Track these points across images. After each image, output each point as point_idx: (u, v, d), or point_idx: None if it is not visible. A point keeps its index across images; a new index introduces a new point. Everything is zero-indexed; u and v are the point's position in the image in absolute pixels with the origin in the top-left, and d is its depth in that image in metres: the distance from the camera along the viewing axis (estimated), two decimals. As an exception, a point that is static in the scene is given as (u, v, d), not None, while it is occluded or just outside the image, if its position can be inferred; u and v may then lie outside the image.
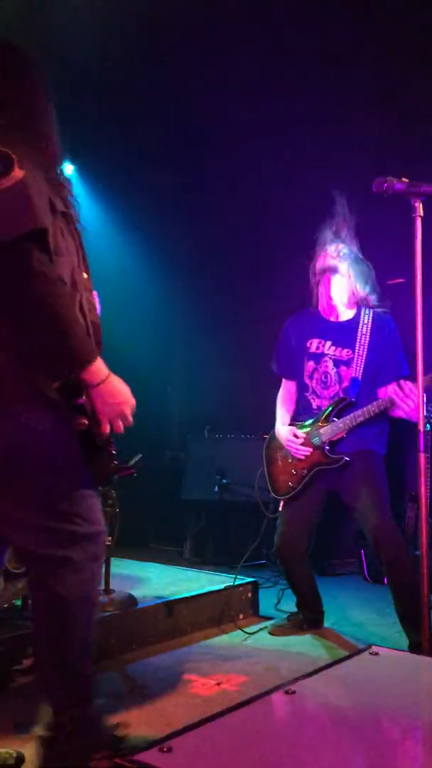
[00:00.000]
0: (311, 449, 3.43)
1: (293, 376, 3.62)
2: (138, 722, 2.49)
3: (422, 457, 2.35)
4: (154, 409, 6.27)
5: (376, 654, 1.88)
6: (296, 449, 3.46)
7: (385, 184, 2.40)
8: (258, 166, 5.42)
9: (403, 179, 2.37)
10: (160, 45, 4.96)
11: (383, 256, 3.51)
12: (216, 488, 5.42)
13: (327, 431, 3.39)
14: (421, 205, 2.38)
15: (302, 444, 3.45)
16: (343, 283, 3.41)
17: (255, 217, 5.82)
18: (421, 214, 2.39)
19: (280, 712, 1.50)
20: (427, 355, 4.54)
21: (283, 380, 3.70)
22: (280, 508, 3.61)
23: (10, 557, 3.15)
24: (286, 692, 1.59)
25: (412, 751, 1.35)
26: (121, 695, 2.81)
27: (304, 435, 3.47)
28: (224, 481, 5.40)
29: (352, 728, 1.47)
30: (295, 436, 3.48)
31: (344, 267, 3.40)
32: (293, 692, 1.59)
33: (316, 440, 3.42)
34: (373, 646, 1.93)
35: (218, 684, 2.90)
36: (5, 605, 3.13)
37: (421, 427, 2.40)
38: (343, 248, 3.42)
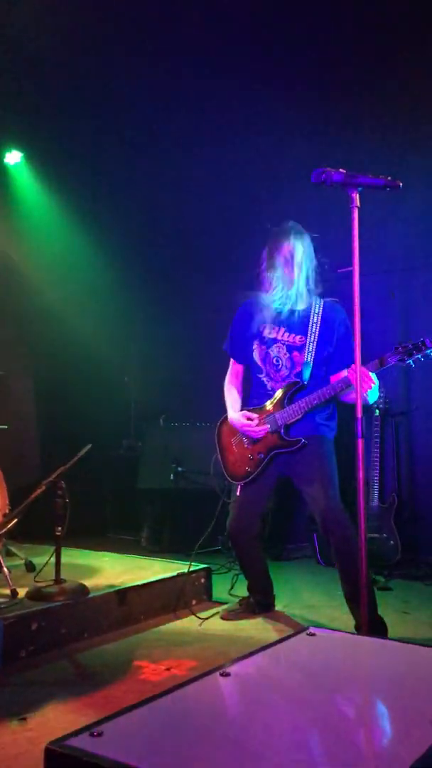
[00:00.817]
0: (267, 431, 3.48)
1: (243, 359, 3.67)
2: (86, 708, 2.52)
3: (360, 442, 2.41)
4: (111, 398, 6.26)
5: (313, 635, 1.93)
6: (254, 431, 3.50)
7: (324, 175, 2.43)
8: (203, 153, 5.43)
9: (341, 170, 2.40)
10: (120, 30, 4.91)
11: (328, 245, 3.56)
12: (172, 476, 5.45)
13: (283, 415, 3.44)
14: (357, 196, 2.42)
15: (257, 425, 3.49)
16: (296, 272, 3.45)
17: (204, 206, 5.83)
18: (358, 204, 2.43)
19: (213, 693, 1.54)
20: (375, 341, 4.62)
21: (232, 363, 3.75)
22: (237, 493, 3.65)
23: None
24: (222, 674, 1.62)
25: (343, 729, 1.40)
26: (71, 683, 2.82)
27: (257, 416, 3.51)
28: (180, 469, 5.43)
29: (283, 708, 1.51)
30: (249, 418, 3.53)
31: (299, 256, 3.44)
32: (228, 674, 1.62)
33: (271, 424, 3.47)
34: (311, 628, 1.99)
35: (168, 669, 2.94)
36: None
37: (359, 414, 2.45)
38: (298, 238, 3.47)
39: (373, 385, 3.16)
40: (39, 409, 5.94)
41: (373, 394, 3.21)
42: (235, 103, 5.11)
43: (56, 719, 2.42)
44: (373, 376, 3.16)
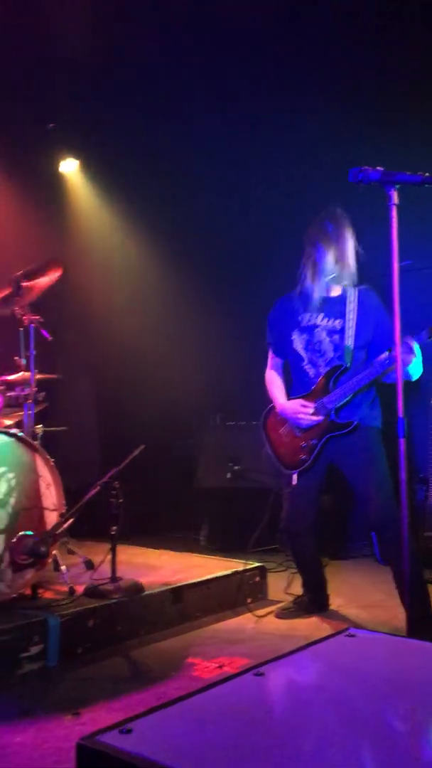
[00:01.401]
0: (321, 418, 3.49)
1: (282, 351, 3.72)
2: (138, 705, 2.58)
3: (402, 442, 2.38)
4: (166, 397, 6.34)
5: (353, 636, 1.93)
6: (309, 419, 3.51)
7: (361, 173, 2.41)
8: (253, 155, 5.46)
9: (378, 168, 2.38)
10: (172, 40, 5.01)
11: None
12: (228, 475, 5.49)
13: (332, 398, 3.46)
14: (396, 194, 2.40)
15: (313, 414, 3.50)
16: (335, 258, 3.46)
17: (255, 206, 5.85)
18: (397, 202, 2.40)
19: (245, 694, 1.56)
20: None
21: (271, 356, 3.79)
22: (292, 483, 3.64)
23: (23, 549, 3.27)
24: (255, 674, 1.64)
25: (378, 732, 1.40)
26: (125, 679, 2.90)
27: (312, 404, 3.52)
28: (236, 467, 5.46)
29: (316, 711, 1.52)
30: (304, 406, 3.53)
31: (338, 243, 3.45)
32: (262, 674, 1.64)
33: (321, 409, 3.48)
34: (351, 629, 1.98)
35: (220, 667, 2.98)
36: (13, 595, 3.24)
37: (400, 413, 2.42)
38: (338, 225, 3.47)
39: (413, 358, 3.15)
40: (99, 409, 6.07)
41: (415, 369, 3.19)
42: (286, 108, 5.12)
43: (108, 715, 2.50)
44: (416, 348, 3.16)
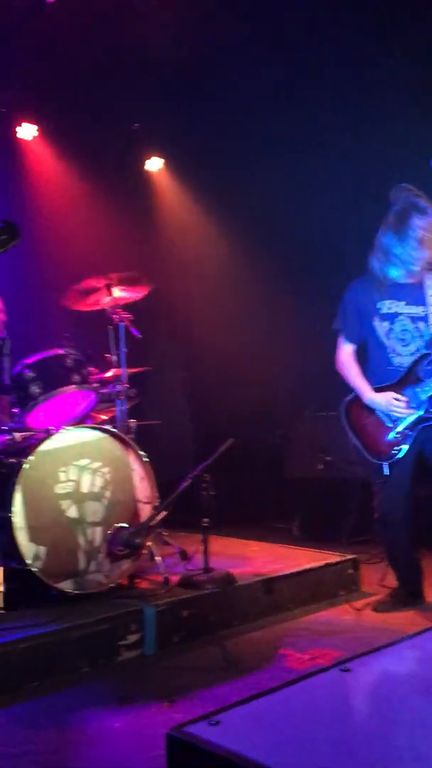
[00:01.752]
0: (417, 409, 3.44)
1: (356, 338, 3.68)
2: (230, 694, 2.63)
3: None
4: (258, 390, 6.36)
5: (445, 633, 1.90)
6: (405, 411, 3.46)
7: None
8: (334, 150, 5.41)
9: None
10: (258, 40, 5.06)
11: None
12: (320, 466, 5.46)
13: (424, 388, 3.39)
14: None
15: (405, 407, 3.46)
16: (414, 245, 3.41)
17: (340, 197, 5.77)
18: None
19: (331, 689, 1.57)
20: None
21: (344, 343, 3.73)
22: (385, 473, 3.59)
23: (119, 541, 3.39)
24: (342, 670, 1.65)
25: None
26: (218, 668, 2.96)
27: (405, 398, 3.47)
28: (328, 458, 5.43)
29: (402, 708, 1.51)
30: (396, 398, 3.48)
31: (417, 229, 3.39)
32: (348, 670, 1.65)
33: (413, 399, 3.42)
34: (443, 625, 1.95)
35: (313, 659, 2.99)
36: (111, 585, 3.36)
37: None
38: (418, 211, 3.40)
39: None
40: (191, 403, 6.17)
41: None
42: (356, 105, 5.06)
43: (202, 704, 2.56)
44: None
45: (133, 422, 4.60)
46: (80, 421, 3.83)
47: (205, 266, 6.00)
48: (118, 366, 4.14)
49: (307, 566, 3.88)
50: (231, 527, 5.03)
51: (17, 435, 3.60)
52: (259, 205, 6.10)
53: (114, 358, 4.18)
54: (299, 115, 5.37)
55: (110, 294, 4.17)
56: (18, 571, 3.21)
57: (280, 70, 5.18)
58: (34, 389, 3.64)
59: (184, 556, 4.04)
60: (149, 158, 6.05)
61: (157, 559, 3.64)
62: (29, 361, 3.68)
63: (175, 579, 3.56)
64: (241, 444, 3.66)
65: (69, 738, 2.35)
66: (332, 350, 6.00)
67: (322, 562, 3.94)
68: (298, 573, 3.80)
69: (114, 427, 3.80)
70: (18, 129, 5.54)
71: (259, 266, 6.20)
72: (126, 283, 4.24)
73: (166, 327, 5.92)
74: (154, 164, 6.04)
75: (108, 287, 4.16)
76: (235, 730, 1.38)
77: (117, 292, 4.19)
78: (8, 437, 3.64)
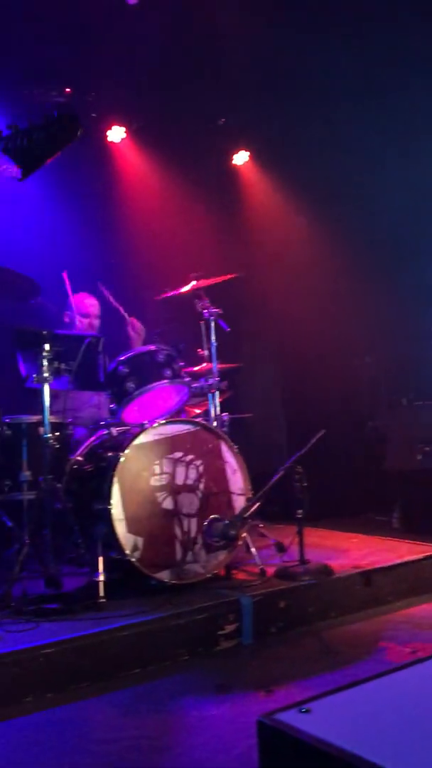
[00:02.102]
0: None
1: None
2: (328, 684, 2.60)
3: None
4: (352, 380, 6.26)
5: None
6: None
7: None
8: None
9: None
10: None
11: None
12: (419, 456, 5.30)
13: None
14: None
15: None
16: None
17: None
18: None
19: (426, 681, 1.53)
20: None
21: None
22: None
23: (214, 532, 3.43)
24: (438, 662, 1.60)
25: None
26: (316, 659, 2.94)
27: None
28: (427, 448, 5.26)
29: None
30: None
31: None
32: (444, 662, 1.60)
33: None
34: None
35: (413, 652, 2.92)
36: (208, 575, 3.41)
37: None
38: None
39: None
40: (284, 395, 6.14)
41: None
42: None
43: (299, 693, 2.55)
44: None
45: (225, 416, 4.64)
46: (174, 415, 3.89)
47: (293, 257, 5.95)
48: (210, 360, 4.18)
49: (407, 558, 3.79)
50: (330, 520, 4.99)
51: (114, 430, 3.71)
52: (347, 194, 5.98)
53: (205, 352, 4.23)
54: (386, 102, 5.23)
55: (200, 289, 4.21)
56: (117, 562, 3.31)
57: (364, 57, 5.05)
58: (129, 385, 3.73)
59: (281, 548, 4.03)
60: (236, 152, 6.06)
61: (253, 550, 3.66)
62: (123, 357, 3.78)
63: (271, 571, 3.57)
64: (337, 436, 3.62)
65: (167, 724, 2.41)
66: (428, 337, 5.83)
67: (422, 555, 3.84)
68: (398, 565, 3.72)
69: (207, 421, 3.84)
70: (108, 132, 5.68)
71: (347, 255, 6.08)
72: (214, 277, 4.27)
73: (256, 320, 5.92)
74: (241, 158, 6.04)
75: (197, 283, 4.21)
76: (325, 719, 1.37)
77: (205, 288, 4.23)
78: (105, 432, 3.76)
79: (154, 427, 3.42)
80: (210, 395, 4.10)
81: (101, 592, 3.15)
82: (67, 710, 2.54)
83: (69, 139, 2.08)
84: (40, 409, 3.48)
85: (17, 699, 2.59)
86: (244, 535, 3.64)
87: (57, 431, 3.66)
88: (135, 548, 3.26)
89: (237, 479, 3.61)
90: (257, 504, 3.50)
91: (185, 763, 2.13)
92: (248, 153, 6.03)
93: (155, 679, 2.79)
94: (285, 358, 6.07)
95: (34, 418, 3.67)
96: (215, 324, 4.15)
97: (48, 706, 2.58)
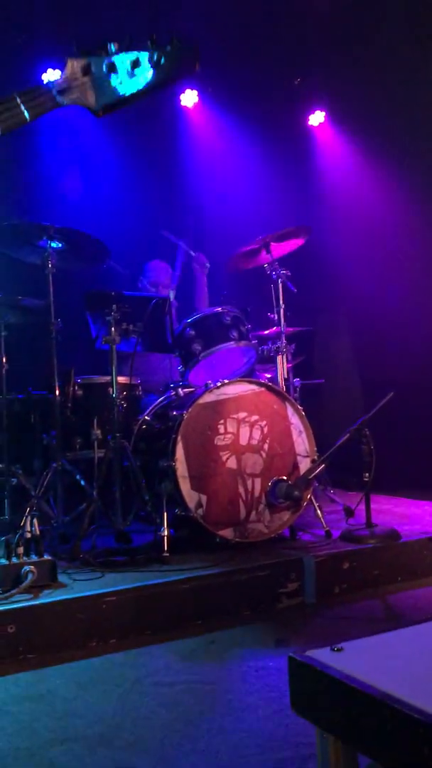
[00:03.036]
0: None
1: None
2: (387, 645, 2.58)
3: None
4: (426, 346, 6.07)
5: None
6: None
7: None
8: None
9: None
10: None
11: None
12: None
13: None
14: None
15: None
16: None
17: None
18: None
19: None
20: None
21: None
22: None
23: (278, 492, 3.44)
24: None
25: None
26: (379, 621, 2.91)
27: None
28: None
29: None
30: None
31: None
32: None
33: None
34: None
35: None
36: (272, 535, 3.42)
37: None
38: None
39: None
40: (360, 362, 6.03)
41: None
42: None
43: (356, 650, 2.53)
44: None
45: (297, 381, 4.62)
46: (242, 377, 3.89)
47: (369, 220, 5.79)
48: (279, 324, 4.15)
49: None
50: (402, 487, 4.89)
51: (180, 390, 3.75)
52: (426, 153, 5.75)
53: (274, 316, 4.20)
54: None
55: (269, 251, 4.17)
56: (182, 518, 3.37)
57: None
58: (195, 347, 3.77)
59: (349, 512, 3.99)
60: (312, 113, 5.93)
61: (319, 513, 3.63)
62: (190, 320, 3.80)
63: (338, 534, 3.54)
64: (415, 405, 3.52)
65: (223, 673, 2.45)
66: None
67: None
68: (469, 531, 3.61)
69: (275, 384, 3.83)
70: (181, 96, 5.69)
71: (422, 218, 5.87)
72: (284, 239, 4.22)
73: (330, 284, 5.81)
74: (317, 118, 5.91)
75: (266, 245, 4.17)
76: (357, 658, 1.36)
77: (275, 249, 4.19)
78: (173, 393, 3.81)
79: (218, 386, 3.43)
80: (279, 358, 4.08)
81: (165, 547, 3.22)
82: (128, 656, 2.63)
83: (188, 71, 1.83)
84: (109, 370, 3.56)
85: (82, 643, 2.70)
86: (312, 498, 3.62)
87: (126, 392, 3.74)
88: (199, 505, 3.31)
89: (302, 441, 3.59)
90: (322, 466, 3.47)
91: (237, 708, 2.16)
92: (324, 113, 5.89)
93: (215, 631, 2.84)
94: (360, 323, 5.95)
95: (104, 379, 3.76)
96: (283, 286, 4.11)
97: (110, 651, 2.67)
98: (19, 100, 1.77)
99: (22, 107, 1.77)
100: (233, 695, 2.25)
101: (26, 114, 1.77)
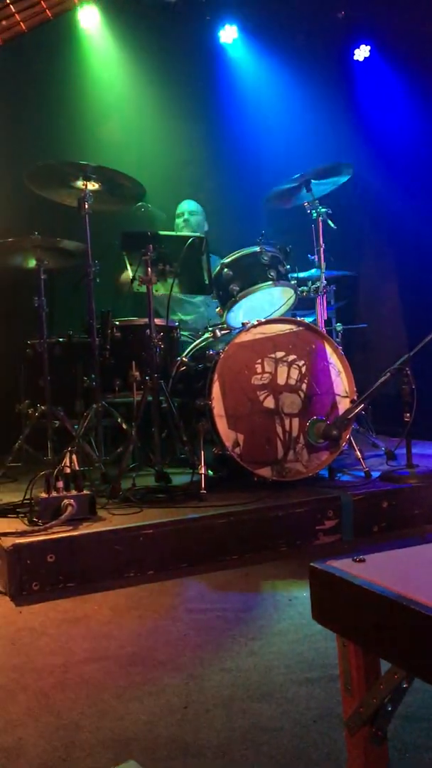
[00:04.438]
0: None
1: None
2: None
3: None
4: None
5: None
6: None
7: None
8: None
9: None
10: None
11: None
12: None
13: None
14: None
15: None
16: None
17: None
18: None
19: None
20: None
21: None
22: None
23: (314, 433, 3.41)
24: None
25: None
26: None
27: None
28: None
29: None
30: None
31: None
32: None
33: None
34: None
35: None
36: (310, 474, 3.40)
37: None
38: None
39: None
40: (404, 306, 5.89)
41: None
42: None
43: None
44: None
45: (339, 325, 4.55)
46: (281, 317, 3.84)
47: (416, 159, 5.58)
48: (318, 265, 4.06)
49: None
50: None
51: (218, 331, 3.73)
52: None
53: (315, 257, 4.11)
54: None
55: (309, 189, 4.07)
56: (220, 457, 3.37)
57: None
58: (233, 288, 3.72)
59: (390, 455, 3.94)
60: (357, 47, 5.70)
61: (358, 454, 3.59)
62: (227, 260, 3.75)
63: (378, 476, 3.51)
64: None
65: (257, 602, 2.47)
66: None
67: None
68: None
69: (314, 323, 3.77)
70: (221, 33, 5.54)
71: None
72: (325, 176, 4.10)
73: (373, 226, 5.65)
74: (361, 53, 5.68)
75: (307, 182, 4.06)
76: (378, 568, 1.34)
77: (316, 187, 4.08)
78: (210, 334, 3.79)
79: (255, 325, 3.39)
80: (319, 298, 4.01)
81: (203, 485, 3.24)
82: (164, 586, 2.67)
83: None
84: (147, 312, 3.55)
85: (121, 574, 2.76)
86: (351, 440, 3.59)
87: (163, 333, 3.74)
88: (236, 444, 3.30)
89: (341, 381, 3.53)
90: (361, 405, 3.41)
91: (268, 633, 2.18)
92: (369, 47, 5.65)
93: (251, 565, 2.86)
94: (407, 267, 5.79)
95: (142, 321, 3.76)
96: (324, 225, 4.01)
97: (148, 581, 2.72)
98: None
99: None
100: (264, 621, 2.27)
101: None
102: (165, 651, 2.09)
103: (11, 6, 2.08)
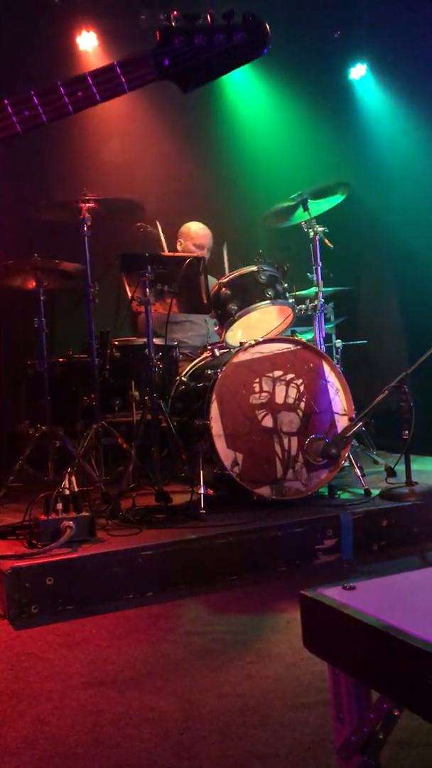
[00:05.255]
0: None
1: None
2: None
3: None
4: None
5: None
6: None
7: None
8: None
9: None
10: None
11: None
12: None
13: None
14: None
15: None
16: None
17: None
18: None
19: None
20: None
21: None
22: None
23: (315, 450, 3.42)
24: None
25: None
26: (415, 577, 2.87)
27: None
28: None
29: None
30: None
31: None
32: None
33: None
34: None
35: None
36: (310, 493, 3.41)
37: None
38: None
39: None
40: (404, 322, 5.91)
41: None
42: None
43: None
44: None
45: (338, 341, 4.56)
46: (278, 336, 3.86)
47: (411, 177, 5.62)
48: (316, 283, 4.08)
49: None
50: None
51: (217, 351, 3.75)
52: None
53: (313, 276, 4.13)
54: None
55: (306, 208, 4.10)
56: (219, 477, 3.38)
57: None
58: (231, 307, 3.74)
59: (390, 471, 3.94)
60: (352, 66, 5.77)
61: (358, 472, 3.60)
62: (225, 279, 3.78)
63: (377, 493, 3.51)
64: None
65: (255, 624, 2.47)
66: None
67: None
68: None
69: (312, 343, 3.78)
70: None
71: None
72: (322, 195, 4.13)
73: (372, 244, 5.69)
74: (357, 72, 5.75)
75: (303, 202, 4.09)
76: (367, 596, 1.35)
77: (312, 206, 4.11)
78: (209, 353, 3.81)
79: (253, 345, 3.41)
80: (315, 317, 4.03)
81: (202, 505, 3.25)
82: (163, 608, 2.67)
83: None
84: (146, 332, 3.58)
85: (119, 595, 2.76)
86: (350, 458, 3.59)
87: (162, 353, 3.76)
88: (235, 464, 3.31)
89: (340, 400, 3.54)
90: (360, 424, 3.42)
91: (265, 656, 2.18)
92: (365, 66, 5.71)
93: (250, 586, 2.86)
94: (407, 283, 5.81)
95: (141, 341, 3.78)
96: (321, 243, 4.03)
97: (147, 603, 2.72)
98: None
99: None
100: (262, 644, 2.27)
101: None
102: (163, 676, 2.09)
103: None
